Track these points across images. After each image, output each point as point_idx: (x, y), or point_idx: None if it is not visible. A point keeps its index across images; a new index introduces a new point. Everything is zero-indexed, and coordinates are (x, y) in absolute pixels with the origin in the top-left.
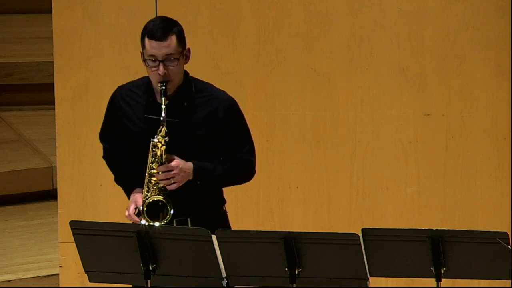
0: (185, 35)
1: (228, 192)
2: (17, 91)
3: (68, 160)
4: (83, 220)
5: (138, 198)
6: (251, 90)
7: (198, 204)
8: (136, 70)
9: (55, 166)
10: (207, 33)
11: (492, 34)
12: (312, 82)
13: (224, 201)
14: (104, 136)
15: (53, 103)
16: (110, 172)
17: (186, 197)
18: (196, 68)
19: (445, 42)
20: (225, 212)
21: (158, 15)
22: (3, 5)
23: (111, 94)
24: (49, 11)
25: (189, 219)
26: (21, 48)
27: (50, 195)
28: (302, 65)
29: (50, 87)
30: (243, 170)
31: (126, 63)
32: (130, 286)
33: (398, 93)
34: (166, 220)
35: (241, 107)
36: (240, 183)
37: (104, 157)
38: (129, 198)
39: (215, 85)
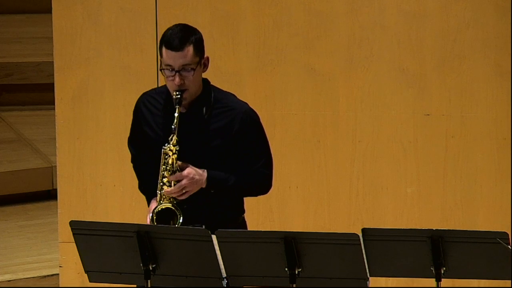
0: None
1: None
2: (17, 91)
3: (68, 160)
4: (83, 220)
5: (153, 206)
6: (251, 90)
7: (213, 212)
8: (136, 70)
9: (55, 166)
10: (207, 33)
11: (492, 34)
12: (312, 82)
13: (243, 211)
14: (131, 141)
15: (53, 103)
16: (110, 172)
17: (201, 204)
18: None
19: (445, 42)
20: (244, 221)
21: (178, 23)
22: (3, 5)
23: (111, 94)
24: (49, 11)
25: (203, 226)
26: (21, 48)
27: (50, 195)
28: (302, 65)
29: (50, 87)
30: (257, 183)
31: (126, 63)
32: (130, 286)
33: (398, 93)
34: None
35: None
36: (255, 195)
37: (131, 162)
38: (149, 206)
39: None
